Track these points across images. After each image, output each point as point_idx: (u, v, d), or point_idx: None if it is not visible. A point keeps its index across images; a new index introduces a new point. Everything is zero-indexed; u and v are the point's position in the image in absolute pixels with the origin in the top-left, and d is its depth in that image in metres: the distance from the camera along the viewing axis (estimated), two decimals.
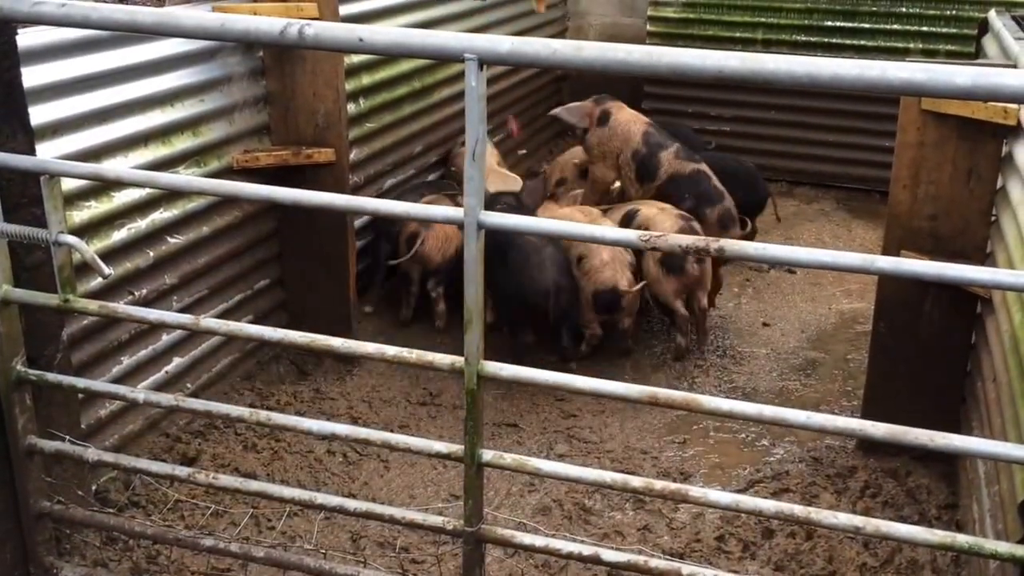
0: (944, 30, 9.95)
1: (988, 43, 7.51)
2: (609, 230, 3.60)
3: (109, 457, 4.33)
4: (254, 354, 6.57)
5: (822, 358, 7.19)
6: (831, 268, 3.28)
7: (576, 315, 6.86)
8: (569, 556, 3.83)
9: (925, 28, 10.02)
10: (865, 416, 5.57)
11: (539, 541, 3.83)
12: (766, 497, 5.37)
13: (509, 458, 3.72)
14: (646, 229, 6.87)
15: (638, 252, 6.95)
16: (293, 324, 6.58)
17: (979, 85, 2.71)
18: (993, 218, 5.37)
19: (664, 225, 6.93)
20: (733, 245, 3.20)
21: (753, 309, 7.90)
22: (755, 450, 6.03)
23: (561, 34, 11.39)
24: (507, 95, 10.05)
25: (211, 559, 4.73)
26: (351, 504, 4.03)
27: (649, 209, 7.26)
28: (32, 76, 4.55)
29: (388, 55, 5.44)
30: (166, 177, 4.66)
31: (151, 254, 5.52)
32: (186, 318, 4.00)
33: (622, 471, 5.52)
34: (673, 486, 3.63)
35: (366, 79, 7.42)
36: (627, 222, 7.23)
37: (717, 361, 7.11)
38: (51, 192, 3.74)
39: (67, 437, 4.21)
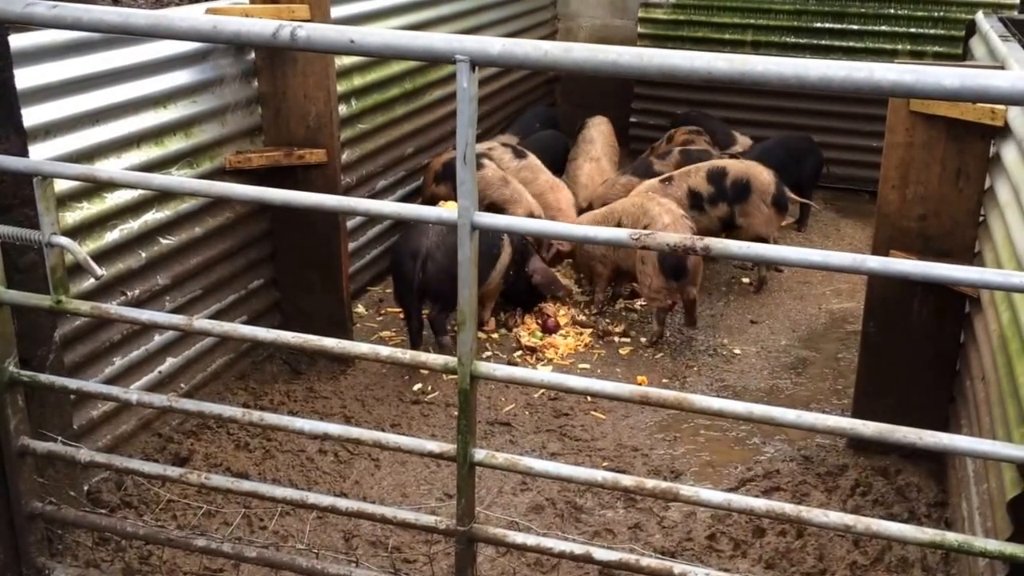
0: (932, 32, 10.03)
1: (976, 44, 7.56)
2: (602, 230, 3.60)
3: (101, 458, 4.33)
4: (248, 354, 6.59)
5: (812, 357, 7.22)
6: (821, 268, 3.29)
7: (447, 294, 6.71)
8: (561, 555, 3.84)
9: (913, 29, 10.09)
10: (855, 415, 5.61)
11: (531, 540, 3.84)
12: (757, 495, 5.40)
13: (501, 457, 3.73)
14: None
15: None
16: (287, 324, 6.62)
17: (967, 86, 2.72)
18: (981, 218, 5.40)
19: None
20: (718, 243, 3.22)
21: (742, 308, 7.94)
22: (746, 448, 6.06)
23: (551, 36, 11.43)
24: (499, 96, 10.08)
25: (203, 559, 4.74)
26: (343, 504, 4.03)
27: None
28: (25, 77, 4.57)
29: (379, 57, 5.45)
30: (159, 178, 4.67)
31: (143, 255, 5.53)
32: (179, 319, 4.00)
33: (614, 469, 5.56)
34: (664, 485, 3.64)
35: (358, 80, 7.45)
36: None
37: (708, 360, 7.14)
38: (44, 193, 3.74)
39: (59, 438, 4.21)
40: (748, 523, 5.23)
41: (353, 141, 7.47)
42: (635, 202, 7.56)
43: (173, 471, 4.23)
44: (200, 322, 4.03)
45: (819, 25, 10.38)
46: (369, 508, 4.04)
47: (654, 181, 8.22)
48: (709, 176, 8.15)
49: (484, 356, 6.93)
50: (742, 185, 8.12)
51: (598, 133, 9.62)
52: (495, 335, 7.32)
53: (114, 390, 4.38)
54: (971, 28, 8.09)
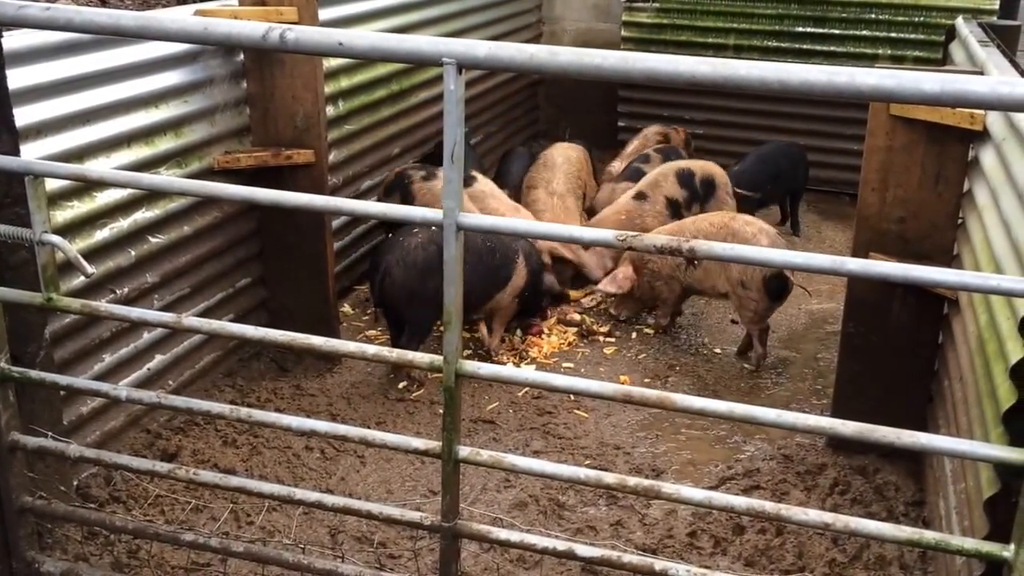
0: (912, 36, 10.08)
1: (955, 49, 7.63)
2: (587, 230, 3.63)
3: (91, 453, 4.35)
4: (235, 351, 6.64)
5: (793, 357, 7.28)
6: (802, 269, 3.33)
7: (404, 313, 6.71)
8: (544, 551, 3.86)
9: (894, 34, 10.15)
10: (835, 414, 5.67)
11: (514, 536, 3.87)
12: (737, 494, 5.45)
13: (486, 454, 3.75)
14: None
15: None
16: (274, 322, 6.65)
17: (947, 91, 2.74)
18: (960, 221, 5.46)
19: None
20: (703, 245, 3.26)
21: (724, 308, 7.98)
22: (727, 447, 6.12)
23: (536, 39, 11.45)
24: (484, 98, 10.12)
25: (191, 554, 4.77)
26: (329, 500, 4.05)
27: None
28: (17, 78, 4.61)
29: (367, 59, 5.50)
30: (148, 178, 4.70)
31: (133, 253, 5.57)
32: (168, 316, 4.02)
33: (596, 467, 5.62)
34: (646, 483, 3.66)
35: (345, 82, 7.49)
36: None
37: (690, 360, 7.20)
38: (35, 192, 3.76)
39: (49, 433, 4.24)
40: (728, 521, 5.29)
41: (340, 142, 7.51)
42: (714, 221, 7.22)
43: (162, 467, 4.24)
44: (189, 320, 4.05)
45: (800, 29, 10.44)
46: (355, 504, 4.07)
47: (627, 199, 8.24)
48: (680, 180, 8.24)
49: (467, 355, 6.97)
50: (708, 182, 8.32)
51: (563, 159, 8.75)
52: (478, 335, 7.35)
53: (103, 386, 4.39)
54: (951, 33, 8.16)
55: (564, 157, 8.79)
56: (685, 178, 8.27)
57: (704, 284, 7.27)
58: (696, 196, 8.24)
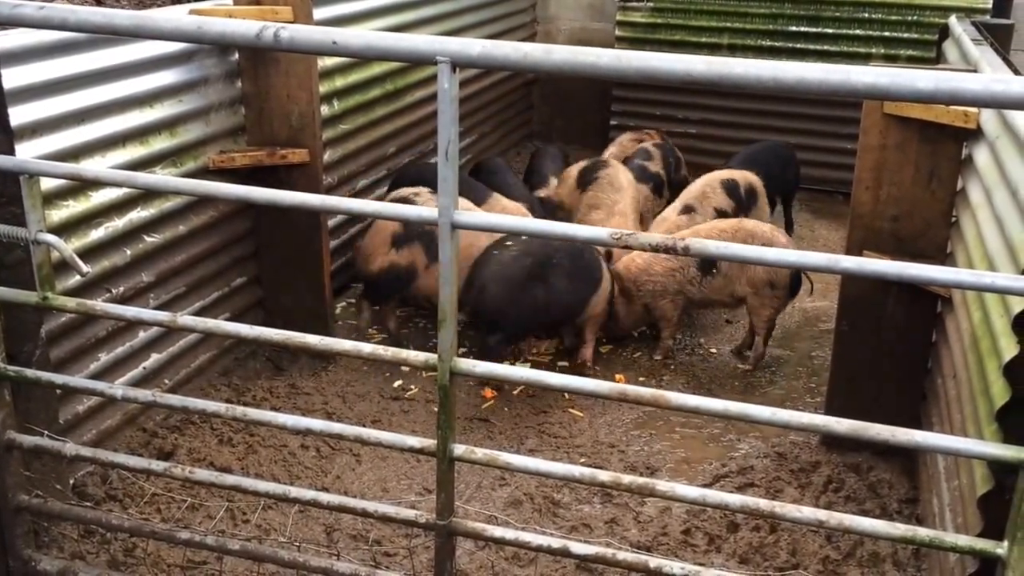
0: (906, 35, 10.11)
1: (949, 48, 7.65)
2: (582, 228, 3.63)
3: (87, 452, 4.35)
4: (231, 350, 6.65)
5: (787, 355, 7.29)
6: (797, 268, 3.35)
7: (504, 324, 6.63)
8: (538, 549, 3.86)
9: (887, 33, 10.18)
10: (828, 412, 5.67)
11: (509, 534, 3.89)
12: (731, 491, 5.45)
13: (480, 453, 3.76)
14: None
15: None
16: (269, 321, 6.68)
17: (940, 89, 2.76)
18: (953, 219, 5.47)
19: None
20: (696, 243, 3.26)
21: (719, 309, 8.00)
22: (721, 445, 6.13)
23: (531, 38, 11.47)
24: (479, 97, 10.13)
25: (187, 552, 4.78)
26: (325, 498, 4.06)
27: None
28: (12, 77, 4.62)
29: (362, 57, 5.51)
30: (144, 177, 4.70)
31: (128, 252, 5.57)
32: (163, 315, 4.03)
33: (591, 465, 5.62)
34: (641, 480, 3.68)
35: (340, 81, 7.49)
36: None
37: (684, 359, 7.21)
38: (30, 191, 3.77)
39: (45, 432, 4.25)
40: (722, 518, 5.30)
41: (335, 141, 7.51)
42: (726, 227, 7.02)
43: (158, 465, 4.25)
44: (184, 319, 4.05)
45: (794, 29, 10.46)
46: (350, 502, 4.08)
47: (675, 215, 7.86)
48: (727, 191, 8.04)
49: (462, 352, 6.97)
50: (751, 191, 8.19)
51: (628, 182, 8.24)
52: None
53: (99, 385, 4.39)
54: (944, 32, 8.19)
55: (629, 180, 8.30)
56: (731, 188, 8.07)
57: (722, 292, 7.09)
58: (743, 207, 8.02)
